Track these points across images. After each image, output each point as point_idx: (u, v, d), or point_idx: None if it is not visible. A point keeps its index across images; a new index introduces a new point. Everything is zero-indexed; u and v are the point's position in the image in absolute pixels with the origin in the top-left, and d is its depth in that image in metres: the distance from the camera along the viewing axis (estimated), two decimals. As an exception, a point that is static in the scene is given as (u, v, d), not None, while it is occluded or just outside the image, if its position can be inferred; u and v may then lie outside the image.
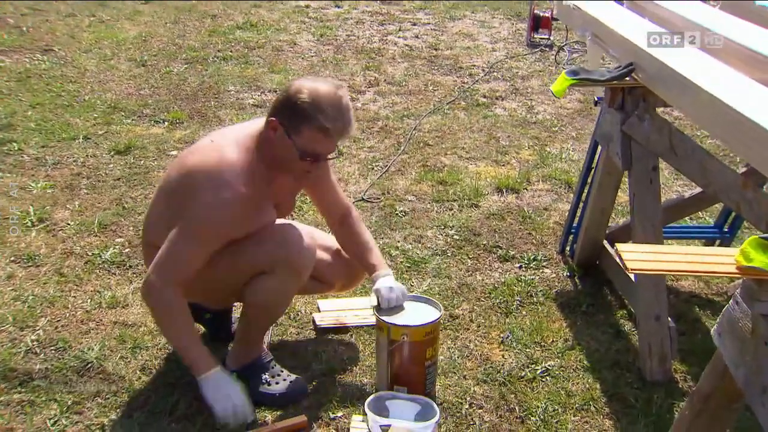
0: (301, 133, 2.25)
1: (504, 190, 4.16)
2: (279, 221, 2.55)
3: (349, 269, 2.77)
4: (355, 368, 2.73)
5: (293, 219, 3.38)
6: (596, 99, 2.98)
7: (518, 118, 5.33)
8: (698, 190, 3.21)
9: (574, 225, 3.46)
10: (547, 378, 2.70)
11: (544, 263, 3.47)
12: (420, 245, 3.58)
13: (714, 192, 2.76)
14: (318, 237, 2.75)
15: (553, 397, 2.60)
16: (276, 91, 5.75)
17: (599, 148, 3.15)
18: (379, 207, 3.92)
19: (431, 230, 3.73)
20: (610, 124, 2.81)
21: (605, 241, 3.30)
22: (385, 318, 2.48)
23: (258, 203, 2.36)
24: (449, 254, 3.52)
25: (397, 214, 3.87)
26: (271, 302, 2.49)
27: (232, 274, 2.47)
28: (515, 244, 3.64)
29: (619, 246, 1.54)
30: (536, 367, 2.74)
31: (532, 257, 3.50)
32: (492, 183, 4.24)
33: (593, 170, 3.25)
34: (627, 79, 2.67)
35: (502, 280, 3.31)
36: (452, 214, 3.89)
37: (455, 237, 3.67)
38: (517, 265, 3.46)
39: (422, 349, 2.51)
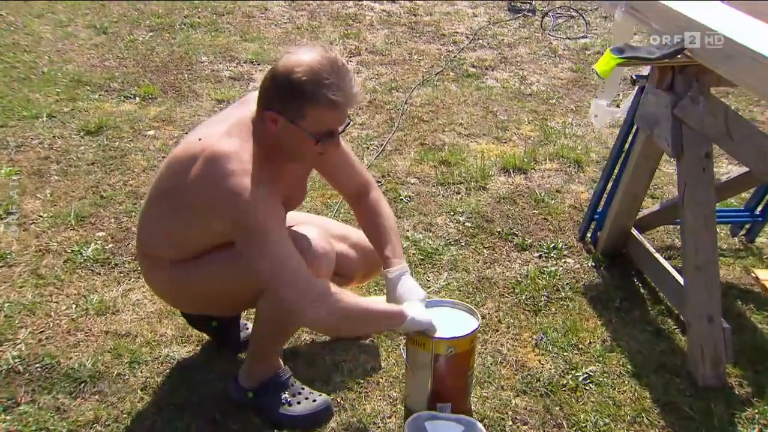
0: (306, 116, 1.94)
1: (511, 171, 3.91)
2: (290, 218, 2.26)
3: (368, 260, 2.48)
4: (381, 380, 2.47)
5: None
6: (634, 77, 2.71)
7: (512, 90, 5.07)
8: (735, 173, 3.00)
9: (598, 211, 3.23)
10: (591, 386, 2.48)
11: (565, 252, 3.24)
12: (431, 234, 3.31)
13: (772, 180, 2.56)
14: (332, 228, 2.49)
15: (601, 408, 2.37)
16: (253, 62, 5.39)
17: (632, 129, 2.90)
18: (382, 191, 3.62)
19: (440, 217, 3.46)
20: (655, 106, 2.56)
21: (633, 229, 3.08)
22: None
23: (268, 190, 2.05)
24: (463, 244, 3.26)
25: (401, 199, 3.59)
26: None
27: (244, 287, 2.18)
28: (531, 230, 3.39)
29: (759, 273, 1.28)
30: (577, 374, 2.52)
31: (551, 245, 3.26)
32: (497, 162, 3.98)
33: (624, 153, 3.01)
34: (679, 57, 2.41)
35: (524, 272, 3.07)
36: (460, 199, 3.62)
37: (467, 224, 3.41)
38: (537, 254, 3.22)
39: (466, 360, 2.27)
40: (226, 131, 2.03)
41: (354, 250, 2.47)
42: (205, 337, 2.60)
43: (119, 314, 2.74)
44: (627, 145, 3.02)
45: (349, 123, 2.08)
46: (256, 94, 2.10)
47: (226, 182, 1.92)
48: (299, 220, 2.39)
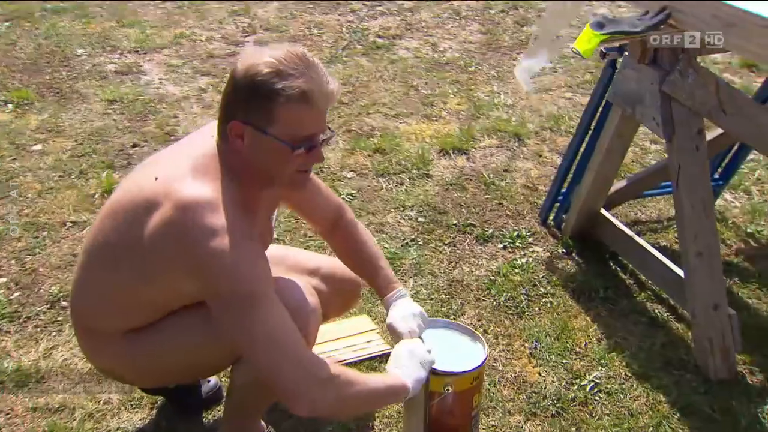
0: (277, 118, 1.56)
1: (451, 152, 3.63)
2: None
3: (343, 292, 2.13)
4: (375, 421, 2.16)
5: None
6: (603, 50, 2.46)
7: (427, 60, 4.77)
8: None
9: (562, 192, 3.01)
10: (601, 395, 2.27)
11: (530, 239, 3.01)
12: (385, 236, 3.00)
13: (769, 154, 2.39)
14: (301, 260, 2.11)
15: (619, 421, 2.18)
16: (138, 51, 4.83)
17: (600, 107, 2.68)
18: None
19: (390, 214, 3.15)
20: (637, 82, 2.33)
21: (602, 209, 2.88)
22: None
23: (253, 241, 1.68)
24: (421, 243, 2.97)
25: (343, 197, 3.24)
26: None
27: (217, 354, 1.81)
28: (489, 219, 3.14)
29: None
30: (583, 383, 2.31)
31: (514, 234, 3.02)
32: (434, 144, 3.70)
33: (590, 132, 2.79)
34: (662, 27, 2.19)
35: (494, 268, 2.82)
36: (406, 190, 3.32)
37: (420, 219, 3.12)
38: (501, 245, 2.98)
39: (469, 398, 1.99)
40: (191, 169, 1.62)
41: (326, 284, 2.08)
42: (159, 399, 2.21)
43: (46, 382, 2.29)
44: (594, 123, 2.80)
45: (332, 135, 1.71)
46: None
47: (206, 243, 1.52)
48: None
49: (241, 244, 1.54)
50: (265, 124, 1.57)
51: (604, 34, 2.19)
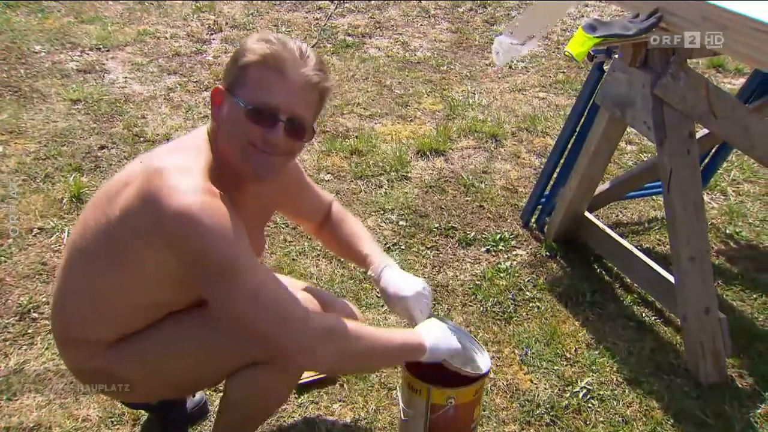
0: (245, 80, 1.51)
1: (428, 154, 3.58)
2: None
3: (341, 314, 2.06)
4: (369, 436, 2.11)
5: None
6: (592, 52, 2.43)
7: (399, 59, 4.71)
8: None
9: (545, 194, 2.99)
10: (594, 402, 2.24)
11: (513, 242, 2.98)
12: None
13: (759, 156, 2.40)
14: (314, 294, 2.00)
15: (613, 429, 2.15)
16: (101, 49, 4.68)
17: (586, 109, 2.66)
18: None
19: (370, 218, 3.08)
20: (628, 86, 2.31)
21: (586, 212, 2.86)
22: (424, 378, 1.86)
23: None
24: (403, 247, 2.92)
25: (321, 201, 3.17)
26: (265, 398, 1.77)
27: (210, 367, 1.74)
28: (470, 221, 3.10)
29: None
30: (575, 390, 2.28)
31: (497, 237, 2.98)
32: (411, 146, 3.64)
33: (575, 134, 2.77)
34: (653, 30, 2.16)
35: (479, 273, 2.78)
36: (385, 193, 3.26)
37: (401, 223, 3.06)
38: (484, 249, 2.94)
39: (470, 411, 1.94)
40: (173, 146, 1.61)
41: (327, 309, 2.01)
42: (142, 412, 2.12)
43: (18, 400, 2.18)
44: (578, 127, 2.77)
45: (301, 127, 1.58)
46: None
47: (175, 199, 1.42)
48: None
49: (217, 204, 1.46)
50: (236, 86, 1.53)
51: (596, 37, 2.15)
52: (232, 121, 1.55)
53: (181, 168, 1.48)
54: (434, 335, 1.76)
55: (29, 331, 2.44)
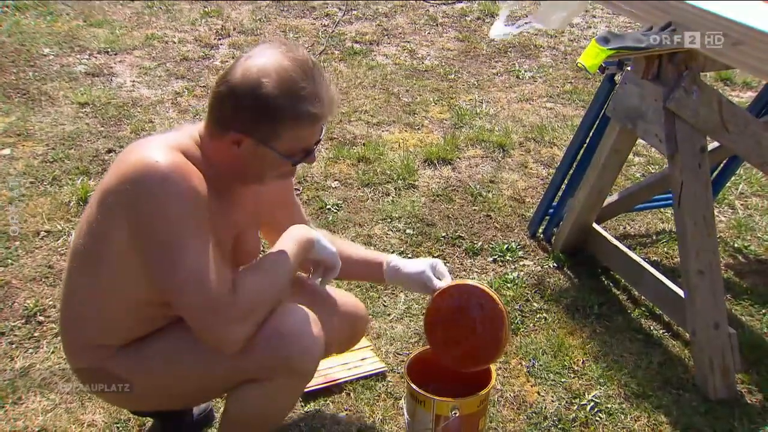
0: (280, 136, 1.52)
1: (436, 162, 3.58)
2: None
3: (350, 320, 2.04)
4: (375, 446, 2.10)
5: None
6: (603, 64, 2.43)
7: (406, 67, 4.71)
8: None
9: (553, 205, 2.98)
10: (602, 416, 2.23)
11: (520, 253, 2.97)
12: (373, 248, 2.93)
13: (771, 172, 2.39)
14: (312, 288, 1.99)
15: (621, 442, 2.14)
16: (108, 52, 4.68)
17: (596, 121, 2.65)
18: (303, 201, 3.19)
19: (377, 226, 3.08)
20: (640, 99, 2.30)
21: (594, 223, 2.85)
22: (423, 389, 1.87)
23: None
24: (410, 255, 2.91)
25: (329, 208, 3.17)
26: (267, 414, 1.76)
27: (209, 384, 1.73)
28: (477, 231, 3.09)
29: None
30: (582, 403, 2.26)
31: (504, 247, 2.98)
32: (418, 154, 3.64)
33: (584, 147, 2.76)
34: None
35: (485, 282, 2.77)
36: (392, 201, 3.25)
37: (408, 231, 3.05)
38: (491, 258, 2.93)
39: (475, 422, 1.94)
40: (162, 138, 1.57)
41: (336, 315, 1.98)
42: (147, 420, 2.11)
43: (23, 404, 2.17)
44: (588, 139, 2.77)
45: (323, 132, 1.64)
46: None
47: (140, 153, 1.49)
48: None
49: (187, 180, 1.48)
50: (268, 139, 1.53)
51: (610, 49, 2.15)
52: (267, 165, 1.58)
53: (170, 151, 1.49)
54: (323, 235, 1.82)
55: (35, 334, 2.44)
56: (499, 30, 2.74)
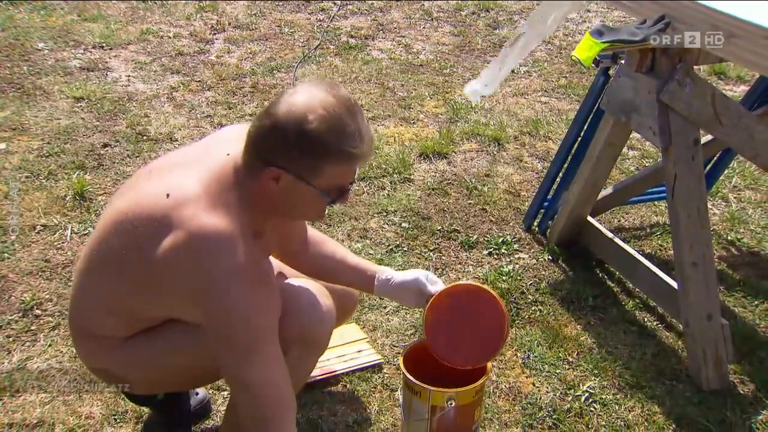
0: (323, 173, 1.53)
1: (431, 156, 3.59)
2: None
3: (341, 305, 2.07)
4: (371, 437, 2.11)
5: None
6: (597, 57, 2.43)
7: (401, 62, 4.72)
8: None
9: (548, 198, 2.99)
10: (596, 406, 2.25)
11: (516, 246, 2.98)
12: (369, 242, 2.95)
13: (764, 164, 2.41)
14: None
15: (616, 432, 2.16)
16: (104, 47, 4.68)
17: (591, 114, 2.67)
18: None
19: (373, 219, 3.09)
20: (633, 92, 2.31)
21: (589, 216, 2.87)
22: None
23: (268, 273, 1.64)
24: (406, 249, 2.93)
25: (324, 202, 3.17)
26: None
27: (202, 367, 1.76)
28: (472, 224, 3.11)
29: None
30: (577, 393, 2.29)
31: (499, 240, 2.99)
32: (414, 148, 3.65)
33: (578, 140, 2.78)
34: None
35: (481, 275, 2.79)
36: (388, 195, 3.26)
37: (404, 225, 3.06)
38: (486, 252, 2.94)
39: (471, 412, 1.95)
40: (204, 190, 1.54)
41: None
42: (145, 410, 2.12)
43: (21, 396, 2.19)
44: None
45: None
46: (233, 132, 1.68)
47: (219, 283, 1.49)
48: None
49: (251, 289, 1.51)
50: (310, 176, 1.53)
51: (604, 42, 2.16)
52: (305, 202, 1.59)
53: (221, 236, 1.49)
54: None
55: (32, 327, 2.44)
56: (473, 87, 2.70)
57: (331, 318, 1.77)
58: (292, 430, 1.60)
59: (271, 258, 1.87)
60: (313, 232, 2.02)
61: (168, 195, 1.53)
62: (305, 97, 1.49)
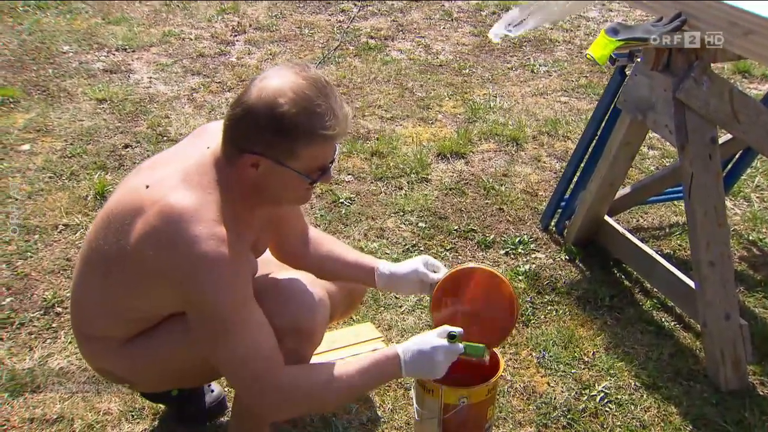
0: (299, 155, 1.53)
1: (449, 156, 3.59)
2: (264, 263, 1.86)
3: (347, 290, 2.08)
4: (384, 434, 2.12)
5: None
6: (612, 56, 2.42)
7: (421, 62, 4.73)
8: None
9: (565, 198, 2.98)
10: (611, 406, 2.24)
11: (532, 246, 2.97)
12: (386, 241, 2.96)
13: (782, 164, 2.37)
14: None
15: (631, 432, 2.14)
16: (126, 50, 4.74)
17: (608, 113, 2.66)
18: (316, 195, 3.22)
19: (390, 219, 3.10)
20: (649, 90, 2.30)
21: (606, 216, 2.85)
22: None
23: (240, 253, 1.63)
24: (422, 248, 2.93)
25: (342, 202, 3.20)
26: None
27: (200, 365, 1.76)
28: (490, 224, 3.10)
29: None
30: (592, 393, 2.27)
31: (516, 240, 2.99)
32: (431, 148, 3.65)
33: (595, 139, 2.77)
34: (677, 34, 2.16)
35: (498, 275, 2.78)
36: (405, 195, 3.27)
37: (420, 225, 3.07)
38: (503, 251, 2.94)
39: (484, 411, 1.95)
40: (182, 178, 1.57)
41: (334, 284, 2.05)
42: (161, 407, 2.15)
43: (42, 392, 2.22)
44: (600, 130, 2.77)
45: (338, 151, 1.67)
46: (214, 126, 1.68)
47: (195, 249, 1.48)
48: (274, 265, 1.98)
49: (223, 261, 1.50)
50: (287, 159, 1.54)
51: (619, 40, 2.15)
52: (286, 186, 1.59)
53: (193, 212, 1.50)
54: (408, 345, 1.71)
55: (53, 325, 2.48)
56: (498, 30, 2.68)
57: (323, 307, 1.77)
58: (290, 375, 1.60)
59: (265, 255, 1.89)
60: (312, 232, 2.03)
61: (147, 186, 1.57)
62: (275, 81, 1.50)
